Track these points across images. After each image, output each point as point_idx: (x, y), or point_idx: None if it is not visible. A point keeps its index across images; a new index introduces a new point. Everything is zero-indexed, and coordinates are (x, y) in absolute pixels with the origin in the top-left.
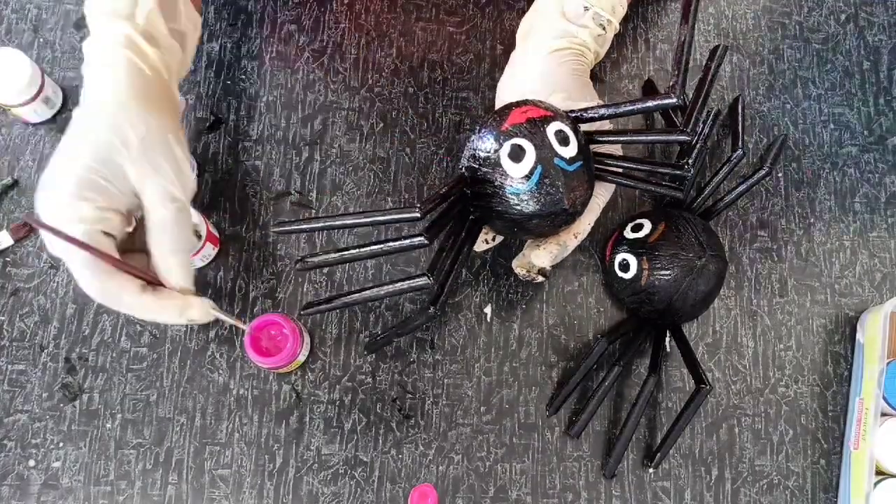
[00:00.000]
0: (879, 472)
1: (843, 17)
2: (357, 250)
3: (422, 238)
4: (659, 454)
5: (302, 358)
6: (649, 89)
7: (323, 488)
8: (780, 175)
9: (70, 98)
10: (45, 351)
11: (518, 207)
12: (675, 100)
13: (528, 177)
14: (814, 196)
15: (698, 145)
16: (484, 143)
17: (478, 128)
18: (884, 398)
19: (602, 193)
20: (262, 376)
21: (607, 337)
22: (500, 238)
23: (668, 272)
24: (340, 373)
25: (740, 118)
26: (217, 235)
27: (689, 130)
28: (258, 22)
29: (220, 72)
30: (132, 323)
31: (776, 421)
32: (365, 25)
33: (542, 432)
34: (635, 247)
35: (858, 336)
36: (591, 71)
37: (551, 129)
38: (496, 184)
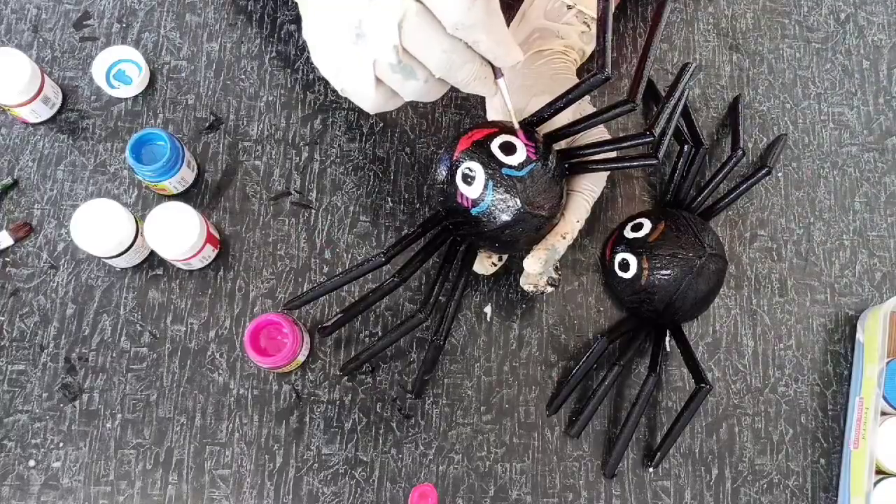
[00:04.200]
0: (879, 472)
1: (842, 16)
2: (358, 305)
3: (394, 279)
4: (659, 453)
5: (302, 358)
6: (649, 89)
7: (323, 488)
8: (779, 175)
9: (70, 98)
10: (45, 351)
11: (487, 225)
12: (602, 74)
13: (483, 194)
14: (813, 195)
15: (666, 110)
16: (441, 177)
17: (434, 164)
18: (884, 397)
19: (587, 188)
20: (262, 376)
21: (607, 336)
22: (505, 257)
23: (667, 272)
24: (340, 372)
25: (740, 118)
26: (217, 236)
27: (632, 99)
28: (258, 22)
29: (220, 72)
30: (132, 323)
31: (776, 420)
32: None
33: (542, 432)
34: (635, 246)
35: (858, 335)
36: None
37: (496, 143)
38: (461, 210)
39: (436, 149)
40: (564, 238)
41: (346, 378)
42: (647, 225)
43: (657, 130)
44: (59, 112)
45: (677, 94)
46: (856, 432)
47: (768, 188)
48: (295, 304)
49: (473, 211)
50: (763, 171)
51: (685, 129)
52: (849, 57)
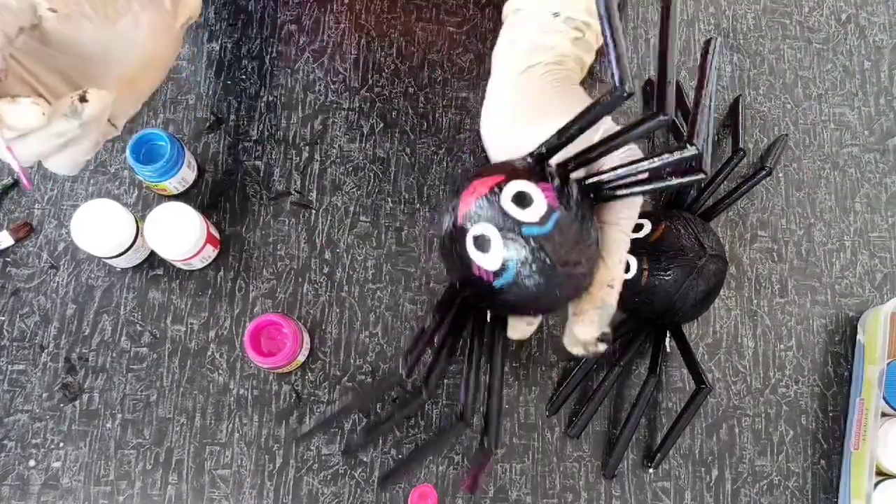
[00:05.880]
0: (880, 473)
1: (843, 16)
2: (384, 425)
3: (422, 396)
4: (659, 454)
5: (302, 358)
6: (650, 89)
7: (323, 488)
8: (780, 175)
9: None
10: (45, 351)
11: (518, 296)
12: (622, 91)
13: (504, 263)
14: (814, 196)
15: (702, 114)
16: (451, 246)
17: (440, 223)
18: (884, 398)
19: (623, 218)
20: (262, 376)
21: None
22: (540, 315)
23: (668, 272)
24: (340, 373)
25: (740, 118)
26: (217, 236)
27: (663, 111)
28: (258, 22)
29: (220, 72)
30: (132, 323)
31: (776, 421)
32: (365, 25)
33: (542, 432)
34: (635, 247)
35: (859, 336)
36: (592, 70)
37: (506, 195)
38: (482, 283)
39: (436, 149)
40: (612, 287)
41: (346, 378)
42: (648, 225)
43: (699, 141)
44: None
45: (708, 93)
46: (856, 433)
47: (769, 189)
48: (306, 436)
49: (497, 283)
50: (763, 172)
51: (685, 129)
52: (850, 57)
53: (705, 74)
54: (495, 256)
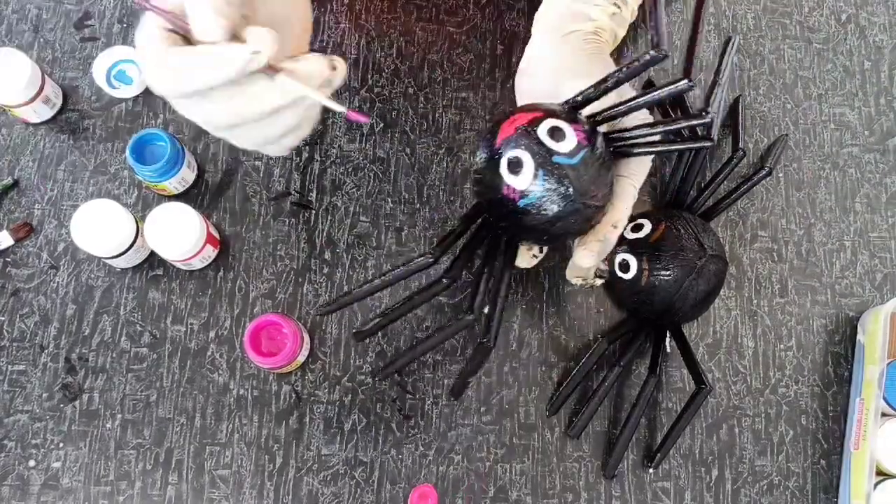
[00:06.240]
0: (880, 473)
1: (843, 17)
2: (401, 308)
3: (444, 280)
4: (659, 454)
5: (302, 358)
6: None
7: (323, 489)
8: (780, 175)
9: (70, 98)
10: (45, 351)
11: (537, 217)
12: (659, 53)
13: (532, 185)
14: (814, 196)
15: (717, 89)
16: (482, 167)
17: (476, 152)
18: (884, 399)
19: (634, 173)
20: (262, 377)
21: (607, 337)
22: (546, 248)
23: (668, 272)
24: (340, 373)
25: (740, 118)
26: (217, 236)
27: (688, 77)
28: None
29: None
30: (132, 323)
31: (776, 421)
32: (365, 25)
33: (542, 432)
34: (635, 247)
35: (859, 336)
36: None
37: (542, 128)
38: (508, 202)
39: (436, 149)
40: (615, 228)
41: (346, 378)
42: (648, 226)
43: (713, 108)
44: (60, 112)
45: (726, 71)
46: (856, 434)
47: (769, 189)
48: (331, 308)
49: (521, 203)
50: (763, 172)
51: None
52: (850, 58)
53: (723, 62)
54: (525, 178)
